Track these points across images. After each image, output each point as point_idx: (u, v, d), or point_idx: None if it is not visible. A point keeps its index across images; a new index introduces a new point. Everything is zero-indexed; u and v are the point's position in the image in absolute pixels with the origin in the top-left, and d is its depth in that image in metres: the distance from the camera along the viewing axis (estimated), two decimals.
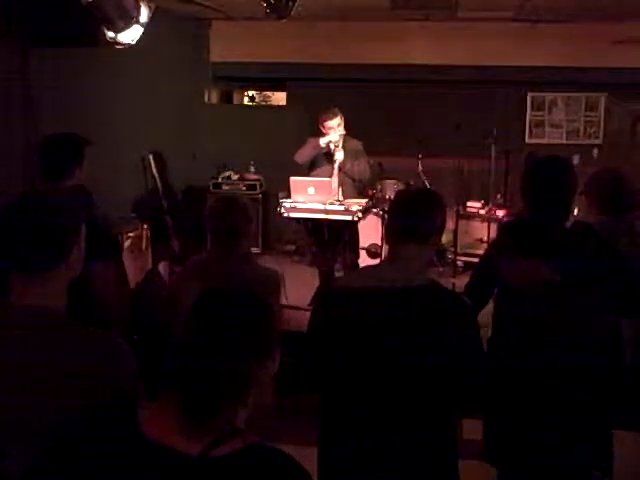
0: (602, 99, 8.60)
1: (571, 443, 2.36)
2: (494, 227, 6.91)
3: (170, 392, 1.32)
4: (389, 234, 2.28)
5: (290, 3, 5.06)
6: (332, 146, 5.82)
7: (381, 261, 3.58)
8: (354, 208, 5.72)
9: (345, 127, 5.89)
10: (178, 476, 1.26)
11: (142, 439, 1.29)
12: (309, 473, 1.33)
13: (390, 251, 2.29)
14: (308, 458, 2.34)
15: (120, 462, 1.28)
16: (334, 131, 5.81)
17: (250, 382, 1.31)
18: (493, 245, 3.09)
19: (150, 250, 6.15)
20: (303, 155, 5.93)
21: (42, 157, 3.31)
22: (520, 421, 2.40)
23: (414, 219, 2.18)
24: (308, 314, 2.37)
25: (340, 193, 5.95)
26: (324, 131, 5.89)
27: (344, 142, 5.86)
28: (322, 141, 5.83)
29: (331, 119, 5.82)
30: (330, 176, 5.88)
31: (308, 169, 6.00)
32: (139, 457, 1.28)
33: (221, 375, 1.28)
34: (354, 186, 6.09)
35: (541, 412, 2.36)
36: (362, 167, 5.98)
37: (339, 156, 5.83)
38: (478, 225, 7.34)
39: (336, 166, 5.89)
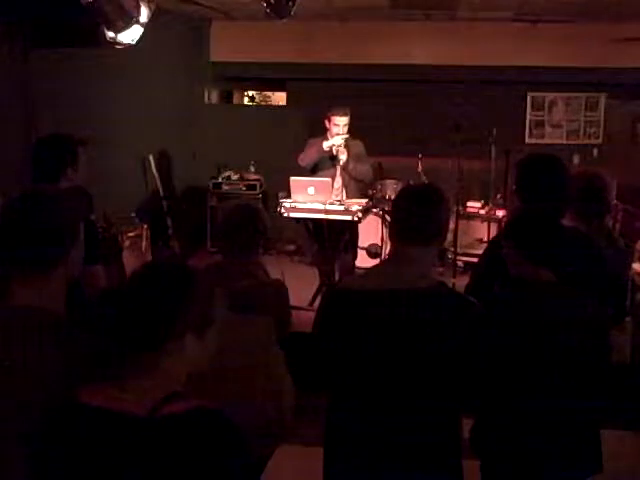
0: (602, 99, 8.59)
1: (558, 440, 2.35)
2: (494, 227, 6.91)
3: (106, 365, 1.52)
4: (393, 235, 2.25)
5: (290, 3, 5.06)
6: (334, 150, 5.77)
7: (384, 261, 3.55)
8: (354, 208, 5.72)
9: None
10: (129, 436, 1.40)
11: (87, 408, 1.45)
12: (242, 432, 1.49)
13: (395, 252, 2.27)
14: (313, 458, 2.35)
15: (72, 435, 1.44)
16: (339, 130, 5.75)
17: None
18: (496, 243, 3.08)
19: (150, 250, 6.14)
20: (307, 158, 5.87)
21: (34, 159, 3.28)
22: (509, 414, 2.38)
23: (419, 221, 2.14)
24: (308, 314, 2.37)
25: (344, 193, 5.95)
26: (328, 126, 5.83)
27: (346, 144, 5.81)
28: (325, 144, 5.78)
29: (341, 116, 5.76)
30: (334, 177, 5.88)
31: (311, 171, 5.96)
32: (88, 425, 1.44)
33: (137, 333, 1.47)
34: (357, 187, 6.08)
35: (531, 406, 2.36)
36: (365, 168, 5.97)
37: (342, 157, 5.80)
38: (478, 225, 7.34)
39: (339, 167, 5.88)
